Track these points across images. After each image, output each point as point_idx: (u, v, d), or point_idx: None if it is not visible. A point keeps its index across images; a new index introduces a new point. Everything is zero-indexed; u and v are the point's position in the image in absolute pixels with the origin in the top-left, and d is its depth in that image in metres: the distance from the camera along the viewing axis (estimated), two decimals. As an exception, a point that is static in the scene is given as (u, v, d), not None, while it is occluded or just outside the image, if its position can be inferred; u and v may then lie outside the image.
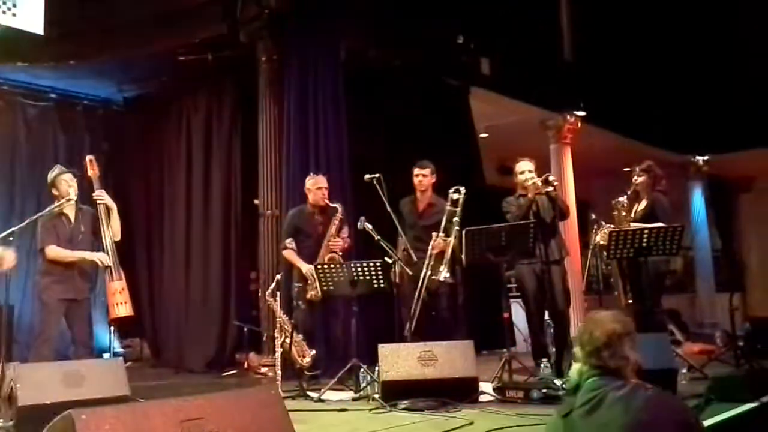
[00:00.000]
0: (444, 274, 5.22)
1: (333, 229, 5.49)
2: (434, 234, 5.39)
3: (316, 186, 5.62)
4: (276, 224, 6.47)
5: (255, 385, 5.69)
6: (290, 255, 5.57)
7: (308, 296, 5.33)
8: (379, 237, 5.23)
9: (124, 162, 8.20)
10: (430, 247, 5.36)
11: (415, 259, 5.37)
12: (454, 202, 5.42)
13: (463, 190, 5.42)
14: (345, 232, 5.59)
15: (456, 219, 5.35)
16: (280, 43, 6.64)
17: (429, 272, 5.29)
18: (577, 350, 2.10)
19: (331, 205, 5.55)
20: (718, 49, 11.22)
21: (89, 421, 2.08)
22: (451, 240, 5.32)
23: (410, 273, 5.30)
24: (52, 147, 7.75)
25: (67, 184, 4.97)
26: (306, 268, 5.39)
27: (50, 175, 5.05)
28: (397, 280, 5.37)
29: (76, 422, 2.05)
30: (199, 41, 6.84)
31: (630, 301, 5.58)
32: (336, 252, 5.48)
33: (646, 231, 5.06)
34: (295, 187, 6.37)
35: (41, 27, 6.18)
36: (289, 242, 5.58)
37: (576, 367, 2.09)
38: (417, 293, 5.25)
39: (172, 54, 7.02)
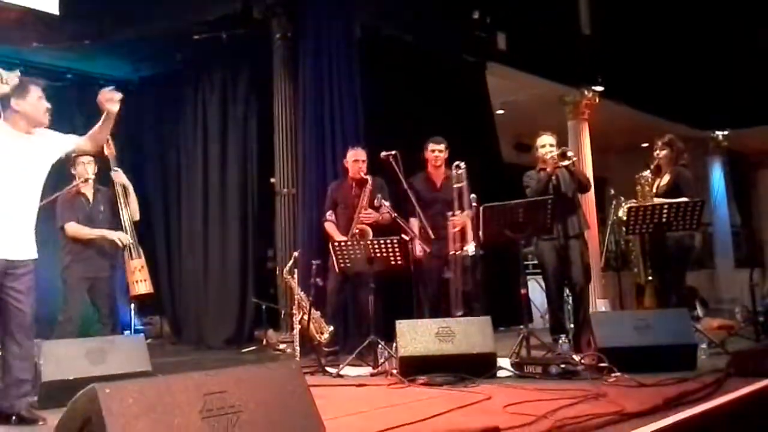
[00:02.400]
0: (471, 249, 5.23)
1: (364, 201, 5.44)
2: (449, 213, 5.41)
3: (353, 159, 5.62)
4: (292, 202, 6.48)
5: (274, 361, 5.73)
6: (329, 227, 5.60)
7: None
8: (395, 214, 5.21)
9: (140, 141, 8.21)
10: (450, 225, 5.36)
11: (432, 236, 5.36)
12: (459, 178, 5.48)
13: (462, 164, 5.50)
14: (385, 207, 5.32)
15: (463, 189, 5.42)
16: (294, 21, 6.59)
17: (454, 249, 5.31)
18: None
19: (364, 177, 5.54)
20: (738, 23, 11.00)
21: (113, 395, 2.08)
22: (466, 213, 5.35)
23: (428, 250, 5.30)
24: (70, 126, 7.74)
25: (84, 165, 5.01)
26: (341, 239, 5.38)
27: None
28: (419, 255, 5.37)
29: (100, 396, 2.05)
30: (213, 19, 6.79)
31: (650, 278, 5.54)
32: (366, 224, 5.43)
33: (665, 206, 5.00)
34: (311, 166, 6.37)
35: (56, 6, 6.16)
36: (329, 215, 5.61)
37: None
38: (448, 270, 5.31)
39: (187, 32, 7.00)
